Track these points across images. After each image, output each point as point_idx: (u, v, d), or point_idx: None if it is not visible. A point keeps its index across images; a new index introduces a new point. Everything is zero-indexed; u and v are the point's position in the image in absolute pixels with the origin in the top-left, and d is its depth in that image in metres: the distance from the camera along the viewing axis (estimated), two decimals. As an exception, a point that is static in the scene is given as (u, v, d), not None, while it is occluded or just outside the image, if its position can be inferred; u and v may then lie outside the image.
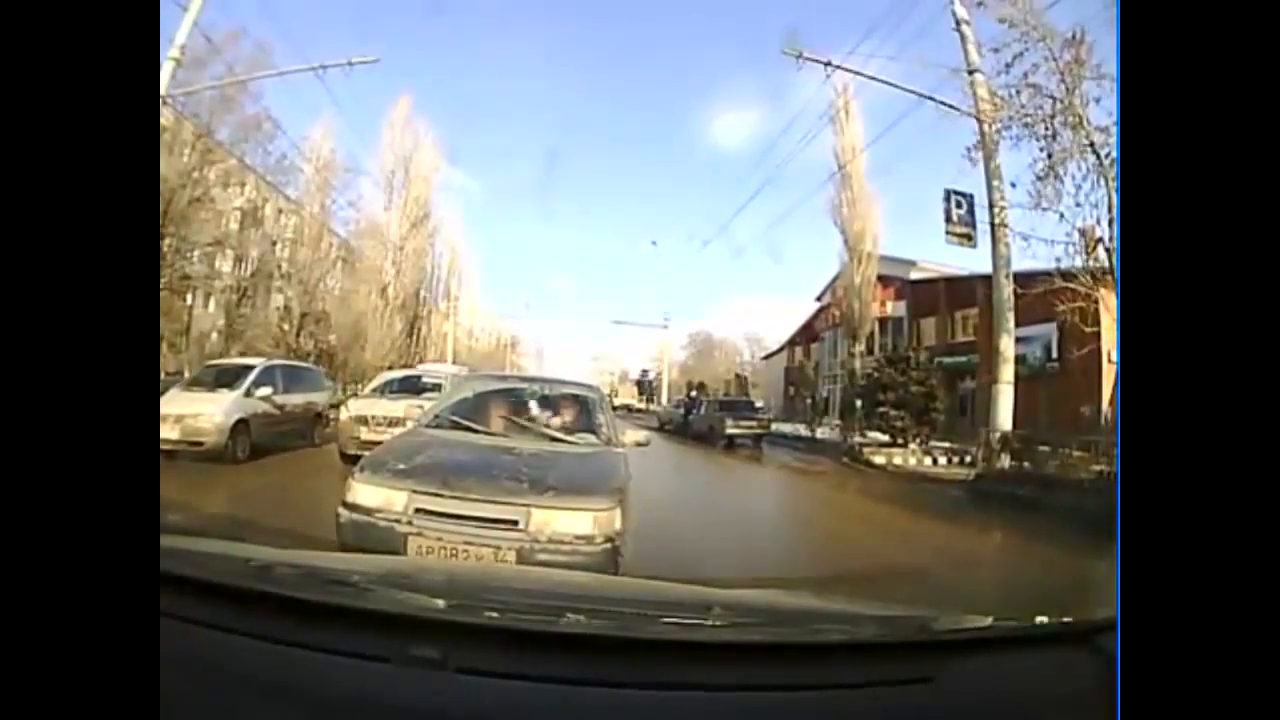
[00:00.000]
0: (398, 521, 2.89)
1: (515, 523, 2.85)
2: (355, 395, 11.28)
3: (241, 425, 8.39)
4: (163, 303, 15.97)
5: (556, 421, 4.14)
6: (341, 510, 3.04)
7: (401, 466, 3.17)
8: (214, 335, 21.60)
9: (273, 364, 10.10)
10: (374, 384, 11.88)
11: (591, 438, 4.01)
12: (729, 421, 17.14)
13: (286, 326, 22.50)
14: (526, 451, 3.51)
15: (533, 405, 4.29)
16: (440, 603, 1.09)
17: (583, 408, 4.37)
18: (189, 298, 20.68)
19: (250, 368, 9.40)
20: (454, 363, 23.59)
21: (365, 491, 3.04)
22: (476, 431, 3.87)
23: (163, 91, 12.30)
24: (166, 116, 14.85)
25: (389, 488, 3.01)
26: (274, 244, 23.33)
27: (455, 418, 4.08)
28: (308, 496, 6.00)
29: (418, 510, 2.90)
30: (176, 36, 12.44)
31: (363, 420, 8.77)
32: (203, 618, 0.94)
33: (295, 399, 9.81)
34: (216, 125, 17.65)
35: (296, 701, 0.84)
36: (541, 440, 3.83)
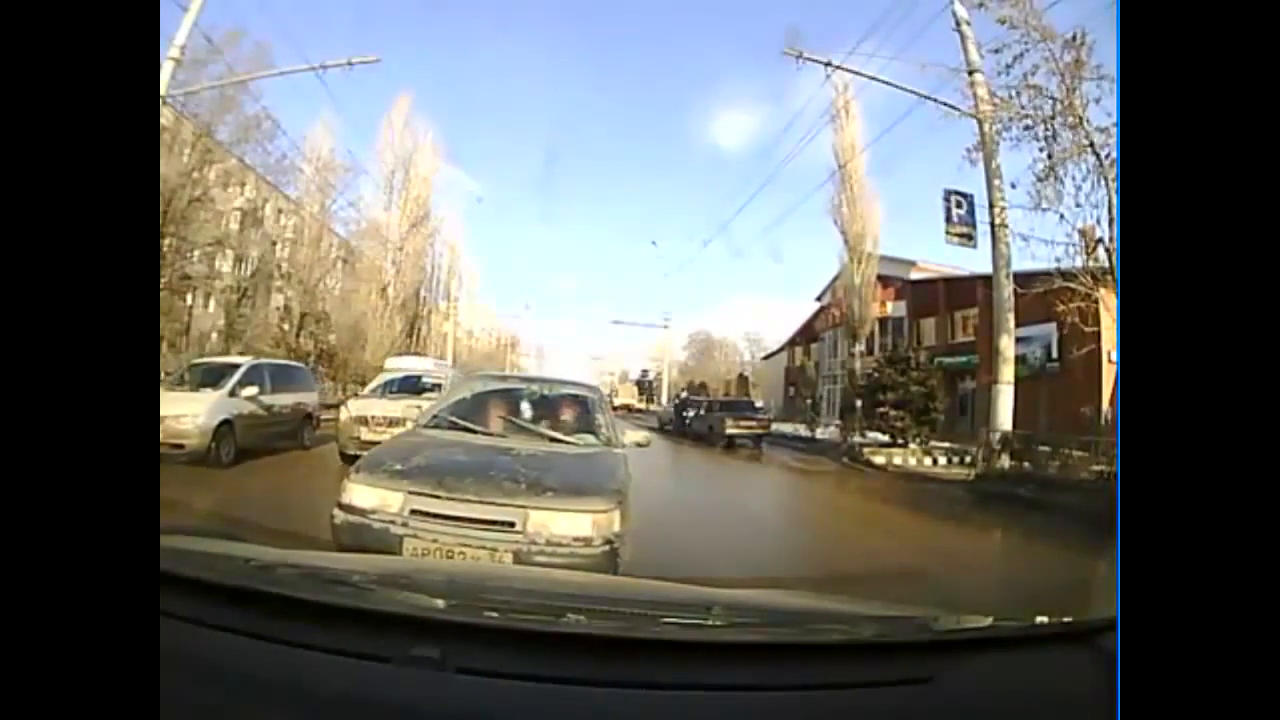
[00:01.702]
0: (393, 523, 2.84)
1: (512, 524, 2.80)
2: (356, 395, 11.26)
3: (226, 427, 8.06)
4: (163, 303, 15.93)
5: (555, 422, 4.09)
6: (336, 511, 3.00)
7: (398, 467, 3.12)
8: (214, 335, 21.59)
9: (259, 362, 9.72)
10: (373, 384, 11.89)
11: (591, 438, 3.96)
12: (729, 421, 17.14)
13: (286, 326, 22.55)
14: (525, 452, 3.45)
15: (531, 406, 4.25)
16: (440, 603, 1.09)
17: (582, 408, 4.33)
18: (189, 298, 20.67)
19: (235, 366, 9.02)
20: (454, 363, 23.60)
21: (360, 492, 2.99)
22: (475, 432, 3.83)
23: (163, 91, 12.28)
24: (166, 116, 14.83)
25: (384, 488, 2.96)
26: (274, 244, 23.37)
27: (453, 418, 4.03)
28: (297, 503, 5.73)
29: (413, 511, 2.86)
30: (176, 36, 12.43)
31: (363, 420, 8.74)
32: (203, 618, 0.94)
33: (283, 399, 9.48)
34: (216, 125, 17.67)
35: (296, 701, 0.84)
36: (540, 441, 3.78)
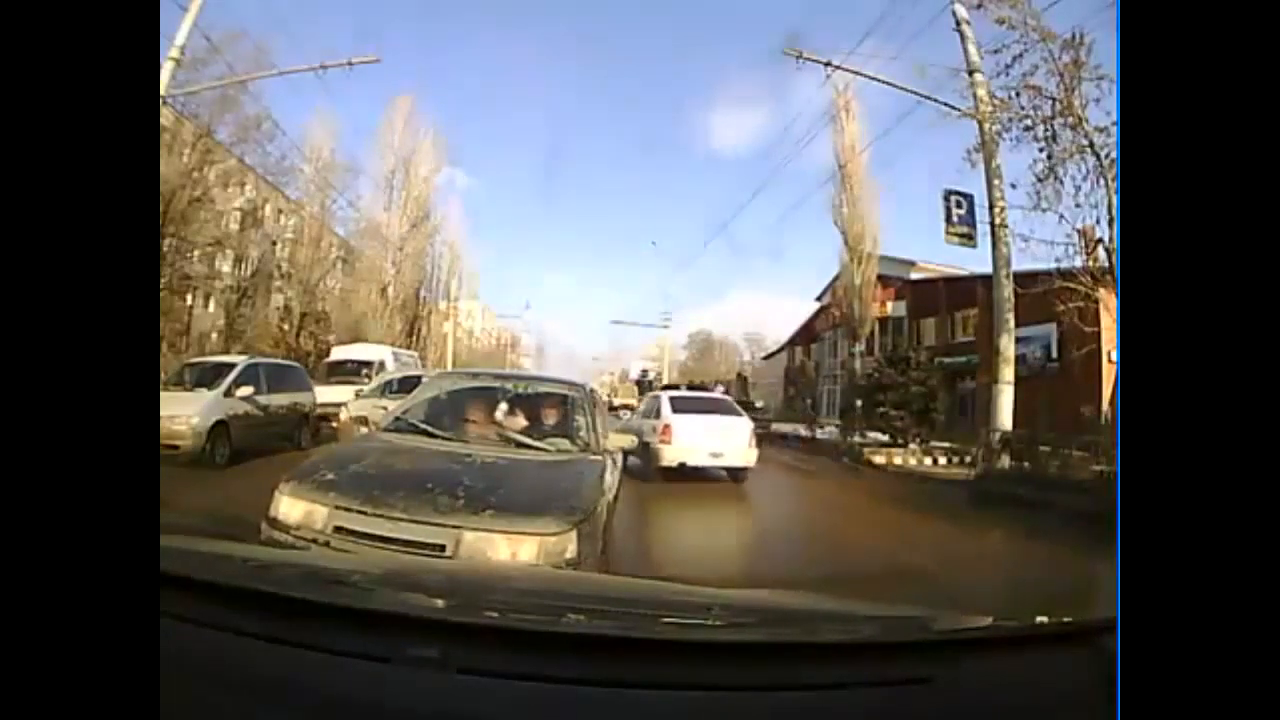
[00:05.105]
0: (314, 541, 2.52)
1: (441, 548, 2.45)
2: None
3: (221, 427, 8.00)
4: (163, 303, 15.95)
5: (527, 424, 3.75)
6: (263, 525, 2.70)
7: (329, 477, 2.79)
8: (214, 335, 21.62)
9: (255, 362, 9.61)
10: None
11: (565, 443, 3.58)
12: None
13: (286, 326, 22.62)
14: (480, 461, 3.10)
15: (503, 407, 3.86)
16: (440, 603, 1.09)
17: (561, 408, 3.96)
18: (189, 298, 20.69)
19: (231, 366, 8.95)
20: (453, 363, 23.60)
21: (287, 505, 2.69)
22: (434, 436, 3.50)
23: (163, 91, 12.28)
24: (166, 116, 14.85)
25: (310, 501, 2.66)
26: (274, 244, 23.43)
27: (413, 421, 3.71)
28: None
29: (336, 529, 2.54)
30: (176, 36, 12.43)
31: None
32: (203, 618, 0.94)
33: (280, 399, 9.41)
34: (216, 125, 17.74)
35: (296, 701, 0.84)
36: (505, 446, 3.43)
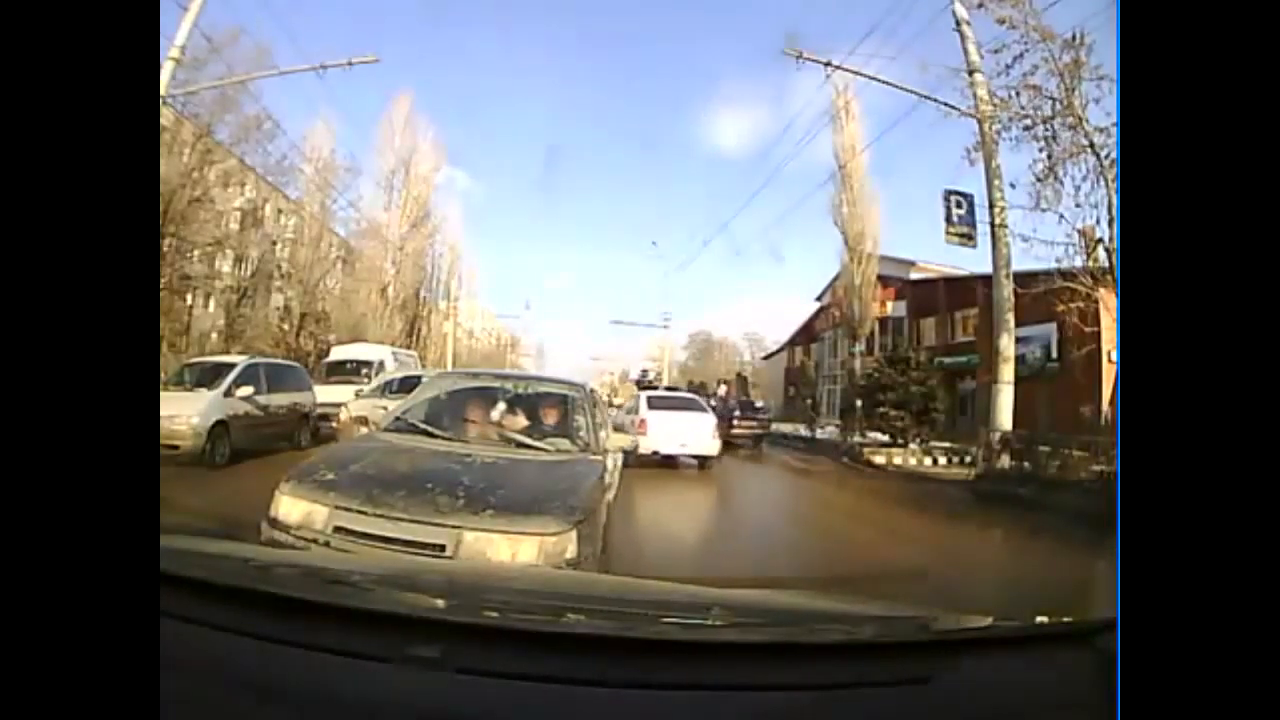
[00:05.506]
0: (315, 542, 2.52)
1: (441, 548, 2.45)
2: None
3: (220, 427, 8.04)
4: (163, 303, 15.94)
5: (527, 424, 3.76)
6: (263, 525, 2.69)
7: (330, 477, 2.80)
8: (214, 335, 21.59)
9: (255, 362, 9.62)
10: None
11: (565, 443, 3.59)
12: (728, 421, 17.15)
13: (286, 326, 22.61)
14: (480, 461, 3.11)
15: (503, 407, 3.88)
16: (440, 603, 1.09)
17: (561, 408, 3.98)
18: (189, 298, 20.66)
19: (231, 366, 8.99)
20: (453, 363, 23.61)
21: (287, 504, 2.69)
22: (434, 436, 3.51)
23: (163, 91, 12.27)
24: (166, 116, 14.83)
25: (310, 501, 2.66)
26: (274, 244, 23.40)
27: (413, 421, 3.73)
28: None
29: (337, 529, 2.54)
30: (176, 36, 12.42)
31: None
32: (203, 618, 0.94)
33: (280, 399, 9.45)
34: (216, 125, 17.71)
35: (296, 701, 0.84)
36: (505, 447, 3.44)
